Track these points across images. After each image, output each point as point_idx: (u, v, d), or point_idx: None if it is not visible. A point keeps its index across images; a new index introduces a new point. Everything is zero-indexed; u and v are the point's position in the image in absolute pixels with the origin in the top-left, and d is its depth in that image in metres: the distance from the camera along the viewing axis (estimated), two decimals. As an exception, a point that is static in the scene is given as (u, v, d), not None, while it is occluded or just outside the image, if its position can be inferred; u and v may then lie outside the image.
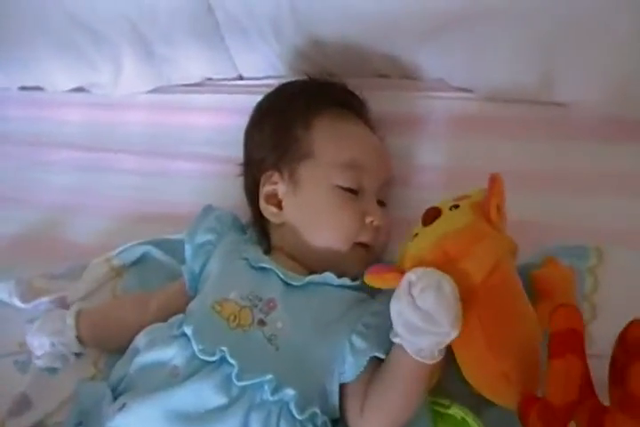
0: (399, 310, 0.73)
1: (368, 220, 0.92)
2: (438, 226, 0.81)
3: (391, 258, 0.93)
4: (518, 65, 1.01)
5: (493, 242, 0.79)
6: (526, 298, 0.82)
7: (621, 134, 1.01)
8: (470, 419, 0.79)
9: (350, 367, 0.81)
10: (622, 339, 0.72)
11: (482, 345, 0.75)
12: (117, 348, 0.90)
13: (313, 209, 0.93)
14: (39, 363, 0.94)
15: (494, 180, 0.80)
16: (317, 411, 0.77)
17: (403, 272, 0.77)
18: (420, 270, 0.74)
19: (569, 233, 0.95)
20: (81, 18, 1.15)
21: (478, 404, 0.81)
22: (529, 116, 1.06)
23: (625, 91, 0.96)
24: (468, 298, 0.74)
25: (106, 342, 0.96)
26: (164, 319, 0.88)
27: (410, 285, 0.73)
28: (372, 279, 0.81)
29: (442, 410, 0.81)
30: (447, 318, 0.71)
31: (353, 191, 0.93)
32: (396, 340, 0.76)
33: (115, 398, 0.82)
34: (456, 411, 0.80)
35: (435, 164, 1.07)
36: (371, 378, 0.81)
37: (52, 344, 0.93)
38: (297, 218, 0.94)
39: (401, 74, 1.17)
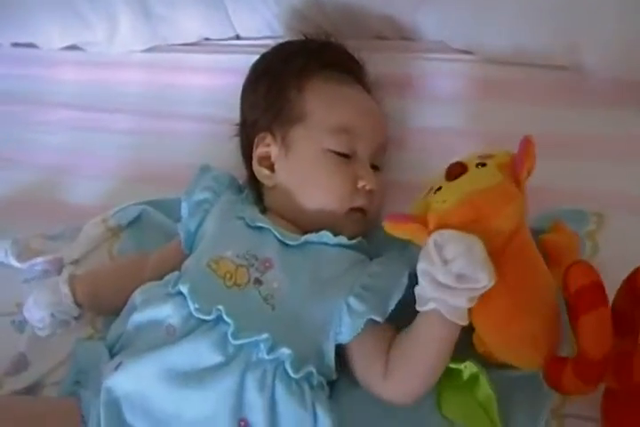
0: (429, 273, 0.73)
1: (360, 184, 0.91)
2: (465, 182, 0.80)
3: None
4: (519, 27, 1.00)
5: (521, 204, 0.79)
6: (543, 260, 0.82)
7: (626, 98, 0.99)
8: (483, 377, 0.79)
9: (347, 328, 0.81)
10: (631, 284, 0.73)
11: (509, 306, 0.75)
12: (115, 310, 0.90)
13: (304, 173, 0.93)
14: (42, 333, 0.95)
15: (528, 142, 0.79)
16: (313, 370, 0.77)
17: (424, 224, 0.77)
18: (446, 233, 0.73)
19: (570, 197, 0.95)
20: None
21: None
22: (530, 79, 1.05)
23: (630, 55, 0.95)
24: (495, 257, 0.74)
25: (104, 305, 0.96)
26: (160, 278, 0.88)
27: (436, 247, 0.72)
28: (391, 228, 0.81)
29: (455, 366, 0.80)
30: (482, 274, 0.71)
31: (345, 155, 0.92)
32: (426, 307, 0.75)
33: (112, 357, 0.83)
34: (471, 366, 0.80)
35: (433, 127, 1.06)
36: (374, 340, 0.81)
37: (52, 315, 0.93)
38: (289, 181, 0.93)
39: (400, 35, 1.15)
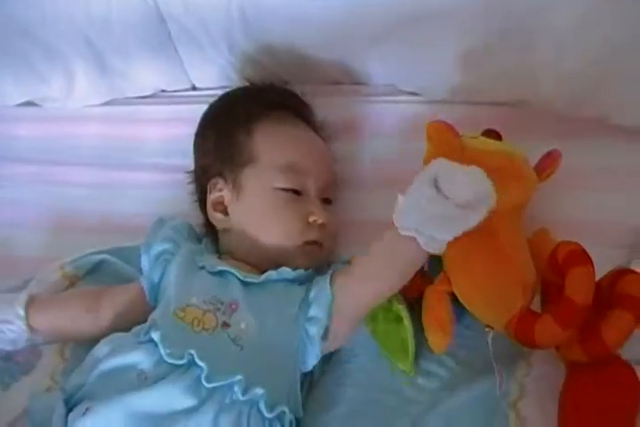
0: (429, 200, 0.76)
1: (312, 219, 0.94)
2: (504, 145, 0.90)
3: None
4: (465, 66, 1.03)
5: (535, 188, 0.89)
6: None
7: (567, 132, 1.03)
8: (407, 321, 0.85)
9: (309, 355, 0.83)
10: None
11: (504, 255, 0.82)
12: (68, 338, 0.96)
13: (256, 212, 0.95)
14: None
15: (557, 153, 0.91)
16: (286, 410, 0.78)
17: (463, 145, 0.85)
18: (445, 163, 0.78)
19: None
20: (31, 30, 1.14)
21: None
22: (476, 116, 1.07)
23: (572, 88, 0.99)
24: (504, 208, 0.81)
25: (59, 336, 0.97)
26: (123, 326, 0.88)
27: (437, 177, 0.76)
28: (436, 128, 0.87)
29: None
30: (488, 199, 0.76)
31: (295, 192, 0.95)
32: (406, 233, 0.78)
33: (70, 408, 0.81)
34: (398, 309, 0.85)
35: (385, 166, 1.09)
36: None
37: (2, 331, 0.93)
38: (242, 222, 0.95)
39: (351, 80, 1.19)
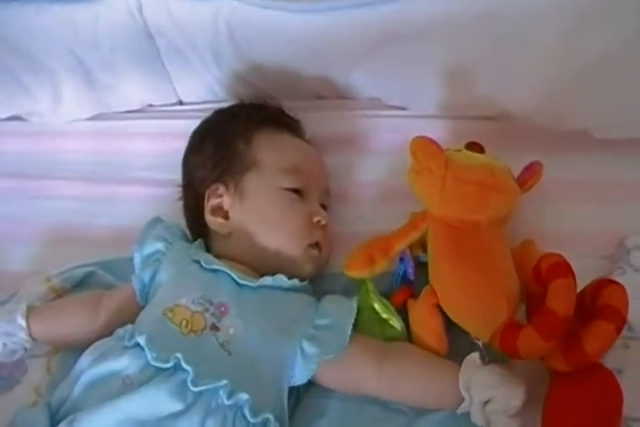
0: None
1: (315, 219, 0.95)
2: (487, 158, 0.91)
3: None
4: (450, 81, 1.05)
5: (517, 201, 0.92)
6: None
7: (554, 146, 1.05)
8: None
9: (300, 371, 0.83)
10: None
11: (488, 268, 0.84)
12: (69, 345, 0.95)
13: (261, 213, 0.96)
14: None
15: (539, 165, 0.94)
16: (271, 417, 0.77)
17: (446, 163, 0.87)
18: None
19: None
20: (18, 45, 1.15)
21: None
22: (461, 129, 1.09)
23: (549, 104, 1.01)
24: (487, 221, 0.86)
25: (58, 343, 0.97)
26: (117, 326, 0.88)
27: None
28: (421, 143, 0.88)
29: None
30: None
31: (298, 192, 0.97)
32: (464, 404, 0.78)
33: (57, 422, 0.79)
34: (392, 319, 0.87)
35: (373, 180, 1.10)
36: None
37: (5, 345, 0.93)
38: (246, 225, 0.95)
39: (337, 95, 1.20)
